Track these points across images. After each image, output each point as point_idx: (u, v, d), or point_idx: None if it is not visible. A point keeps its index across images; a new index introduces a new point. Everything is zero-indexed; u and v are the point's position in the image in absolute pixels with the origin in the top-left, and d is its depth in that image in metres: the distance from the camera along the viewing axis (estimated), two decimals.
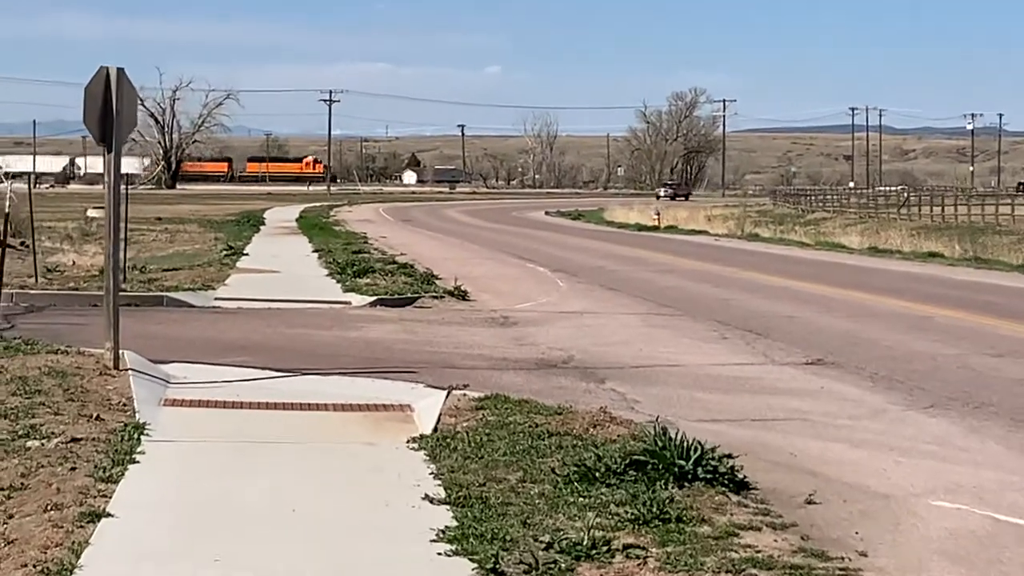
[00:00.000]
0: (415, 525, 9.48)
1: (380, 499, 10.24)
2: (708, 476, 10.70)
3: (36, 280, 25.80)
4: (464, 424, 12.99)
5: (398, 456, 11.83)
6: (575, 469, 10.79)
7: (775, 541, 9.29)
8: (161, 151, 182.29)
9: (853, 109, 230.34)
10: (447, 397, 14.16)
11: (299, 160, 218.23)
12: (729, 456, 11.11)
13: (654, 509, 9.60)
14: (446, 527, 9.33)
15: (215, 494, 10.34)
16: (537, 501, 10.09)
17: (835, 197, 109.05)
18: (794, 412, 14.81)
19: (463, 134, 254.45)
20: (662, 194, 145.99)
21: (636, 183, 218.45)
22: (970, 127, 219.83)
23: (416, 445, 12.18)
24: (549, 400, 14.36)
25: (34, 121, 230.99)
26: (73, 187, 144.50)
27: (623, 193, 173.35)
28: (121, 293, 22.96)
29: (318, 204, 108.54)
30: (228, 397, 14.37)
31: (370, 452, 12.04)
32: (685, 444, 11.00)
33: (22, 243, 29.61)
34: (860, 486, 11.30)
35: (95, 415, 12.67)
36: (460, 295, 27.15)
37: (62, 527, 9.14)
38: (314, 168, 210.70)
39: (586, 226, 79.98)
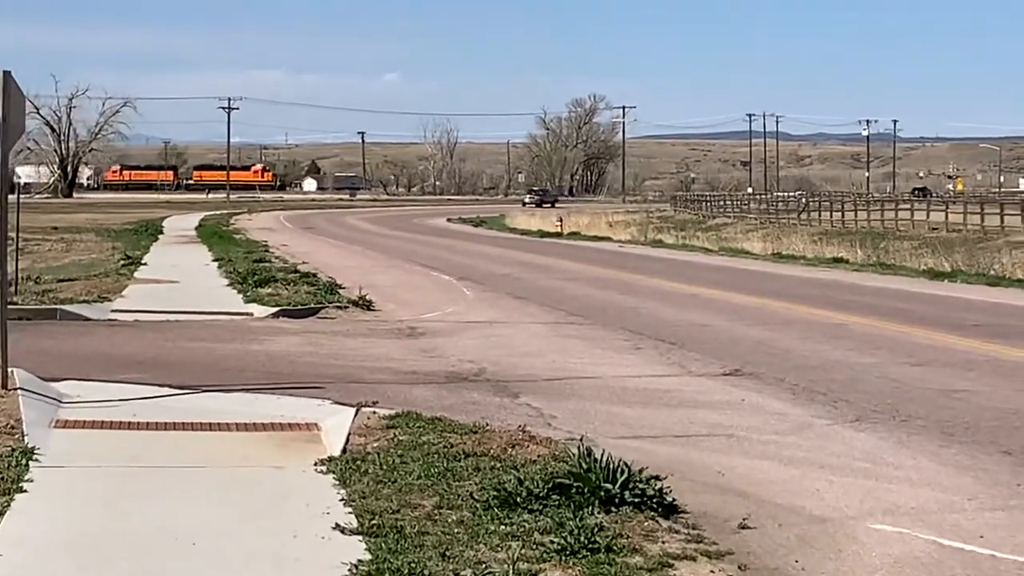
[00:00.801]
0: (326, 558, 8.81)
1: (288, 529, 9.55)
2: (636, 500, 10.10)
3: None
4: (375, 444, 12.31)
5: (306, 481, 11.13)
6: (495, 494, 10.15)
7: (712, 572, 8.71)
8: (57, 159, 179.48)
9: (750, 115, 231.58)
10: (356, 415, 13.47)
11: (248, 168, 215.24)
12: (656, 478, 10.50)
13: (582, 538, 8.98)
14: (359, 560, 8.66)
15: (110, 526, 9.60)
16: (456, 530, 9.45)
17: (734, 203, 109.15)
18: (717, 427, 14.26)
19: (363, 141, 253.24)
20: (527, 201, 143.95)
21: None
22: (865, 133, 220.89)
23: (324, 468, 11.47)
24: (462, 417, 13.73)
25: None
26: None
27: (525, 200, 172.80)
28: (11, 307, 22.12)
29: (218, 212, 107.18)
30: (124, 417, 13.58)
31: (276, 476, 11.33)
32: (611, 465, 10.40)
33: None
34: (794, 508, 10.74)
35: None
36: (365, 305, 26.45)
37: None
38: (263, 176, 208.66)
39: (489, 233, 79.44)
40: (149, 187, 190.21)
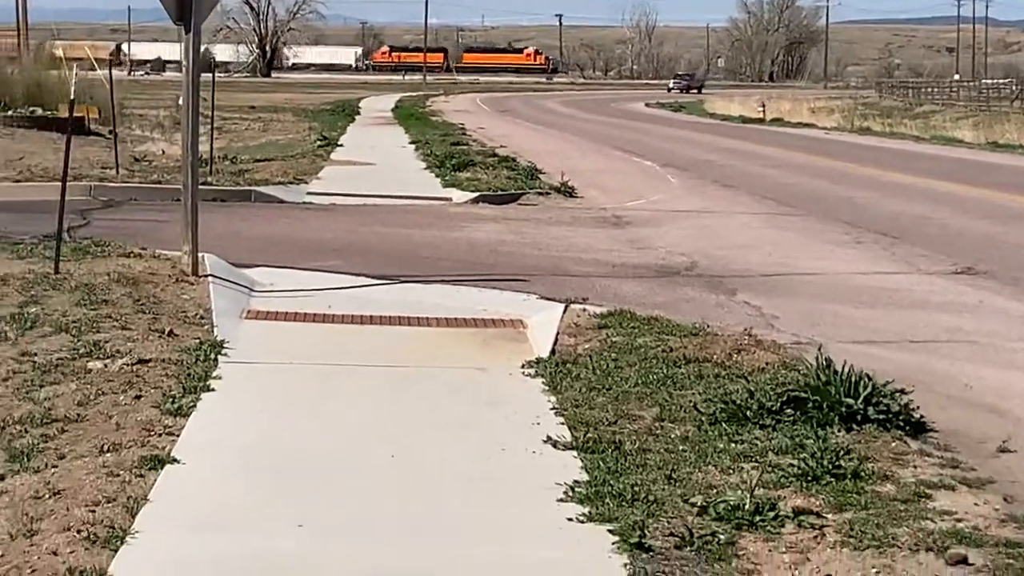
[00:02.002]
0: (537, 478, 7.88)
1: (494, 442, 8.64)
2: (880, 417, 9.00)
3: (117, 172, 24.31)
4: (586, 346, 11.35)
5: (513, 385, 10.22)
6: (722, 406, 9.13)
7: (976, 505, 7.58)
8: (256, 39, 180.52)
9: (958, 0, 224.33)
10: (565, 312, 12.50)
11: (520, 51, 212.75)
12: (902, 391, 9.36)
13: (825, 462, 7.92)
14: (575, 482, 7.73)
15: (301, 433, 8.77)
16: (681, 447, 8.46)
17: (941, 90, 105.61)
18: (956, 332, 13.03)
19: (560, 24, 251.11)
20: (672, 86, 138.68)
21: (736, 75, 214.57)
22: None
23: (533, 371, 10.55)
24: (678, 316, 12.69)
25: (128, 7, 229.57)
26: (169, 75, 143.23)
27: (722, 85, 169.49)
28: (206, 187, 21.56)
29: (414, 94, 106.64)
30: (318, 308, 12.78)
31: (480, 380, 10.41)
32: (852, 378, 9.29)
33: (110, 131, 28.31)
34: None
35: (168, 330, 11.14)
36: (567, 192, 25.41)
37: (118, 476, 7.64)
38: (535, 60, 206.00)
39: (688, 118, 77.75)
40: (417, 69, 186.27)
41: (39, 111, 34.54)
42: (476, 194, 24.36)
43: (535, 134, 52.15)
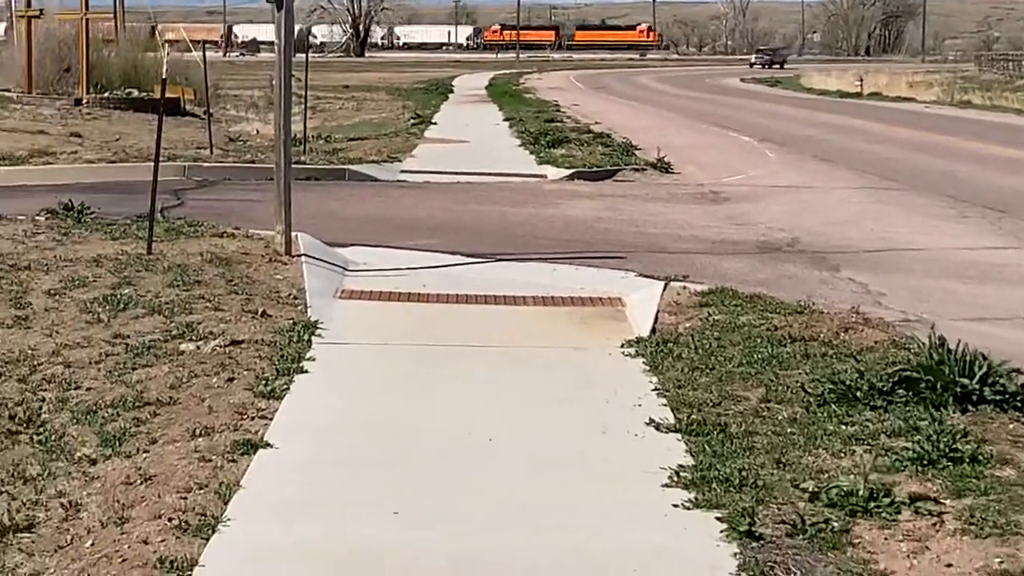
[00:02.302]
0: (641, 461, 7.61)
1: (595, 424, 8.37)
2: (997, 398, 8.65)
3: (211, 151, 24.23)
4: (687, 324, 11.05)
5: (613, 365, 9.95)
6: (830, 387, 8.79)
7: None
8: (350, 18, 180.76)
9: None
10: (664, 290, 12.20)
11: (632, 28, 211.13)
12: (1017, 371, 8.99)
13: (941, 445, 7.57)
14: (680, 467, 7.45)
15: (395, 416, 8.55)
16: (789, 429, 8.15)
17: None
18: None
19: (654, 1, 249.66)
20: (754, 61, 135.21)
21: (832, 49, 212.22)
22: None
23: (633, 350, 10.27)
24: (782, 293, 12.34)
25: None
26: (263, 56, 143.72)
27: (818, 60, 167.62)
28: (300, 166, 21.45)
29: (507, 71, 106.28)
30: (413, 288, 12.57)
31: (579, 359, 10.15)
32: (967, 357, 8.92)
33: (205, 112, 28.34)
34: None
35: (261, 311, 10.97)
36: (663, 167, 25.03)
37: (210, 460, 7.47)
38: (648, 36, 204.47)
39: (784, 93, 76.79)
40: (531, 47, 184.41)
41: (135, 92, 34.61)
42: (571, 171, 24.06)
43: (629, 110, 51.68)
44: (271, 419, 8.25)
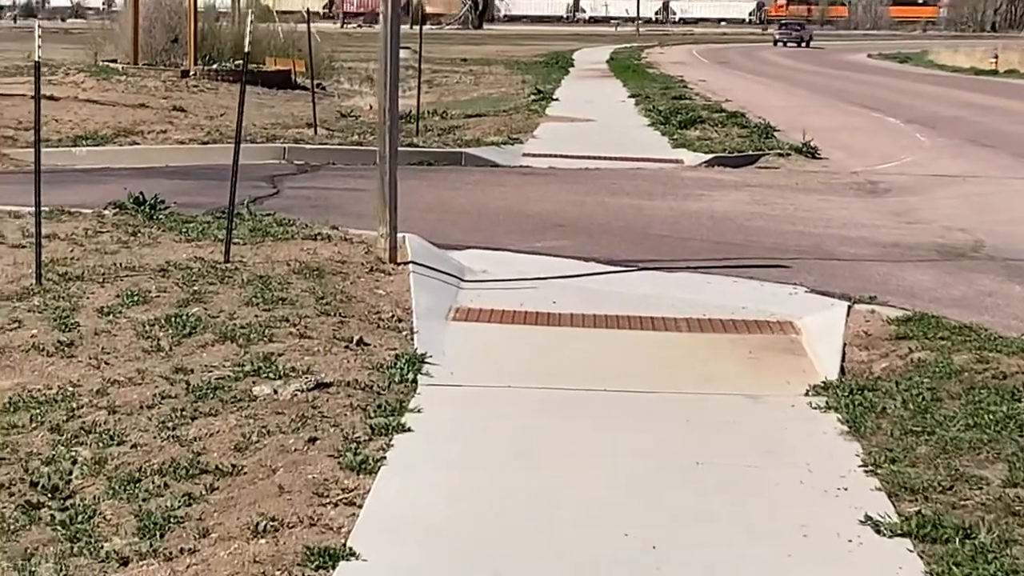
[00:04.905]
0: None
1: (790, 521, 6.24)
2: None
3: (315, 132, 22.23)
4: (884, 363, 8.87)
5: (799, 423, 7.77)
6: None
7: None
8: None
9: None
10: (849, 314, 10.01)
11: (916, 3, 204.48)
12: None
13: None
14: None
15: (523, 501, 6.44)
16: None
17: None
18: None
19: None
20: (779, 38, 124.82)
21: (956, 25, 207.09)
22: None
23: (823, 401, 8.08)
24: (986, 317, 10.19)
25: None
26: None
27: (944, 35, 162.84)
28: (411, 149, 19.41)
29: (628, 45, 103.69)
30: (540, 305, 10.45)
31: (755, 413, 7.97)
32: None
33: (319, 85, 26.51)
34: None
35: (356, 338, 8.94)
36: (809, 152, 22.72)
37: None
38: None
39: (915, 70, 73.61)
40: (819, 23, 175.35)
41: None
42: (710, 155, 21.84)
43: (759, 87, 49.14)
44: (360, 506, 6.23)
